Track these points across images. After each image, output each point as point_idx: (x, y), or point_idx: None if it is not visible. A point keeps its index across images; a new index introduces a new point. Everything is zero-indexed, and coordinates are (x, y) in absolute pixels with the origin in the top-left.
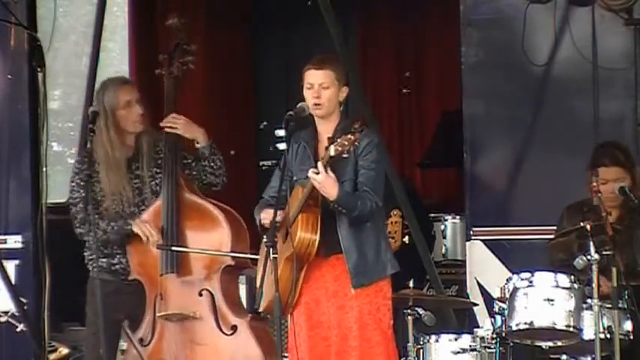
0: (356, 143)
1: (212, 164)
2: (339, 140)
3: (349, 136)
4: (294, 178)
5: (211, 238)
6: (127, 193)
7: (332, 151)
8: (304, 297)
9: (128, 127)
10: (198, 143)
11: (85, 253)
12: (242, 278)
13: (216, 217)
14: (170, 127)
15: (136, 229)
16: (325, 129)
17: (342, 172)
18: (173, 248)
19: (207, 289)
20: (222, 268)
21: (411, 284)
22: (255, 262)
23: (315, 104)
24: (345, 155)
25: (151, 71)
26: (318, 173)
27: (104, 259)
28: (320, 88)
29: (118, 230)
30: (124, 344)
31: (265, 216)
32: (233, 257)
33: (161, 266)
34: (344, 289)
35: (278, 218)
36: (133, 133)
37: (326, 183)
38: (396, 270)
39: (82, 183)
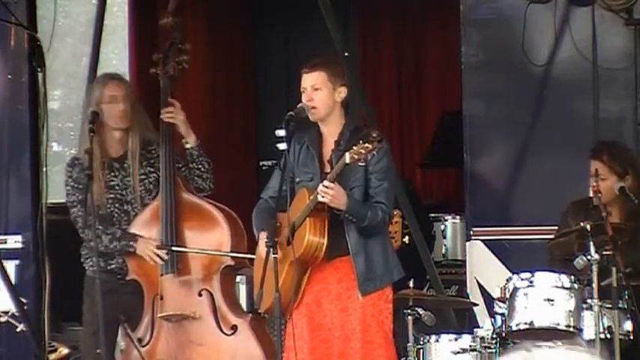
0: (374, 152)
1: (200, 166)
2: (355, 148)
3: (367, 145)
4: (297, 180)
5: (211, 239)
6: (108, 195)
7: (347, 159)
8: (306, 298)
9: (111, 123)
10: (187, 143)
11: (82, 252)
12: (242, 278)
13: (216, 217)
14: (170, 118)
15: (139, 252)
16: (329, 131)
17: (352, 179)
18: (173, 248)
19: (206, 289)
20: (222, 269)
21: (411, 284)
22: (252, 262)
23: (310, 107)
24: (361, 164)
25: None
26: (328, 187)
27: (100, 258)
28: (312, 90)
29: (120, 249)
30: (122, 344)
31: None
32: (233, 257)
33: (162, 266)
34: (347, 292)
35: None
36: (118, 129)
37: (336, 196)
38: (402, 276)
39: (76, 185)
